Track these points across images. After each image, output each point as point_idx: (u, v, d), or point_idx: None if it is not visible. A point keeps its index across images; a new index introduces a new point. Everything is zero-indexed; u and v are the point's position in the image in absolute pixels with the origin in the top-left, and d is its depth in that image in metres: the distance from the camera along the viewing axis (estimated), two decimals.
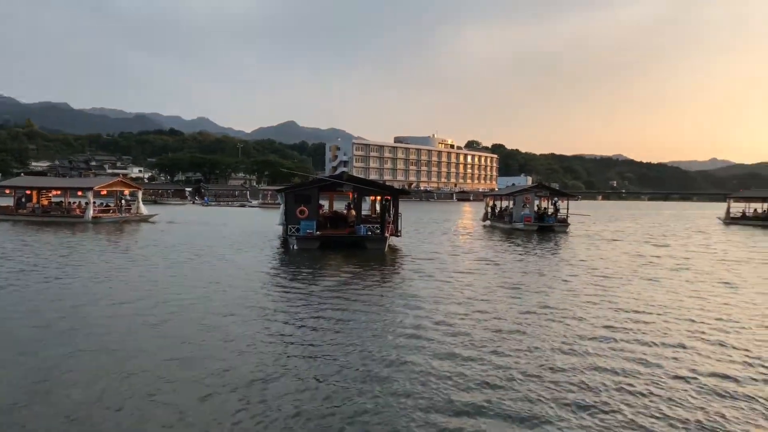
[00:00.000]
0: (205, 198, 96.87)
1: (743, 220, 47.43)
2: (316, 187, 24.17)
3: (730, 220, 48.00)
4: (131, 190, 41.65)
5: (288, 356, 8.00)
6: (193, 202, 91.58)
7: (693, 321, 10.52)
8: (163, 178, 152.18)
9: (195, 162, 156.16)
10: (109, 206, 39.70)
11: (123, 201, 40.03)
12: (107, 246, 22.81)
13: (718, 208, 61.89)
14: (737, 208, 50.19)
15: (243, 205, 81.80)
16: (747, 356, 8.30)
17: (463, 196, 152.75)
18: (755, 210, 48.50)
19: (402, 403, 6.33)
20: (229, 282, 14.15)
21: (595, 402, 6.45)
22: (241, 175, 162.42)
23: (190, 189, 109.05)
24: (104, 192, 39.66)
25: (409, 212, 57.01)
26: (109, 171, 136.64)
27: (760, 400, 6.59)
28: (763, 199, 48.24)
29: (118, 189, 40.04)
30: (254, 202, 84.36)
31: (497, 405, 6.32)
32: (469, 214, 61.49)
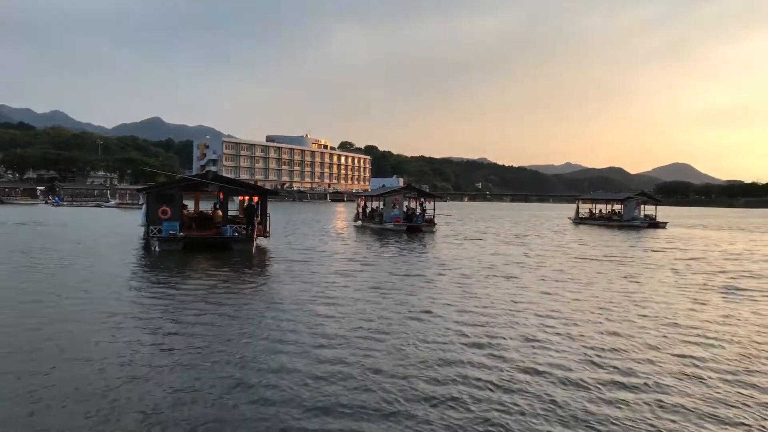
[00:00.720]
0: (56, 198, 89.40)
1: (590, 219, 51.84)
2: (180, 186, 23.20)
3: (579, 220, 52.30)
4: None
5: (141, 365, 7.48)
6: (46, 202, 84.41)
7: (542, 316, 11.18)
8: (10, 176, 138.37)
9: (49, 159, 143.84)
10: None
11: None
12: None
13: (571, 209, 66.98)
14: (585, 208, 54.81)
15: (99, 206, 76.88)
16: (587, 347, 8.95)
17: (337, 197, 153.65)
18: (600, 211, 53.21)
19: (262, 412, 6.14)
20: (78, 288, 13.06)
21: (444, 396, 6.62)
22: (101, 173, 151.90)
23: (42, 188, 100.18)
24: None
25: (281, 213, 56.23)
26: None
27: (592, 385, 7.13)
28: (607, 201, 53.05)
29: None
30: (112, 202, 79.56)
31: (357, 405, 6.30)
32: (343, 215, 61.85)
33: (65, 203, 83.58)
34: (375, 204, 42.22)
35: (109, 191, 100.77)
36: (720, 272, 18.64)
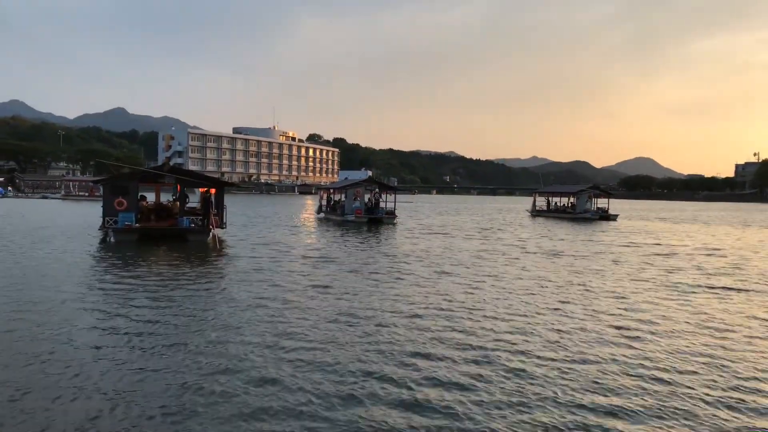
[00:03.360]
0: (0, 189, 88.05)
1: (546, 212, 53.38)
2: (136, 178, 23.42)
3: (536, 213, 53.80)
4: None
5: (80, 364, 7.58)
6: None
7: (477, 313, 11.67)
8: None
9: (7, 149, 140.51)
10: None
11: None
12: None
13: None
14: (542, 201, 56.28)
15: (45, 197, 76.43)
16: (519, 345, 9.55)
17: (305, 189, 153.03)
18: (555, 203, 54.88)
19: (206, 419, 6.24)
20: (24, 278, 13.20)
21: (361, 397, 6.76)
22: (63, 164, 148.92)
23: (1, 179, 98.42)
24: None
25: (246, 206, 56.11)
26: None
27: (517, 378, 7.77)
28: (561, 194, 54.71)
29: None
30: (58, 194, 79.18)
31: (290, 402, 6.70)
32: (310, 207, 61.82)
33: (11, 194, 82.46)
34: (338, 196, 42.69)
35: (71, 183, 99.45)
36: (655, 265, 19.43)
